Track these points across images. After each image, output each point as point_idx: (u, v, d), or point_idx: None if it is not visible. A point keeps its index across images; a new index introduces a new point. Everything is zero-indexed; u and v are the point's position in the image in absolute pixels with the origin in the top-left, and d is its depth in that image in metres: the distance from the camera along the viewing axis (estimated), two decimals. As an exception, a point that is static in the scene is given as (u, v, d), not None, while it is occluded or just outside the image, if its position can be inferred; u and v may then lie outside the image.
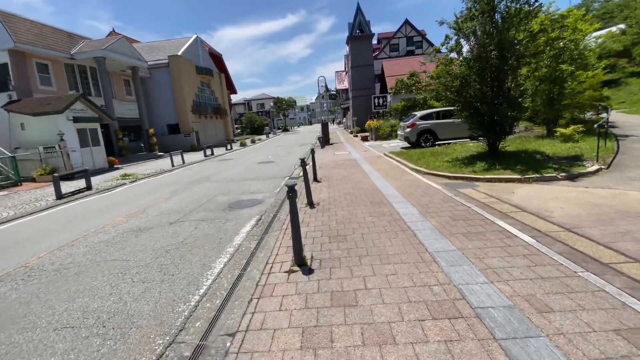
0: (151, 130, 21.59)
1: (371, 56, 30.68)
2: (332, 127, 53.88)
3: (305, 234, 4.46)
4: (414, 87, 21.58)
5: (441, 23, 8.44)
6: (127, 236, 5.38)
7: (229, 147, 24.97)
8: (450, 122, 13.64)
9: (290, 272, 3.39)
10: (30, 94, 15.30)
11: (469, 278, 2.99)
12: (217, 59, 42.50)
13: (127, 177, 12.67)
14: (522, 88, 8.39)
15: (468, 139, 13.95)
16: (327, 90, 22.00)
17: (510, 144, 9.96)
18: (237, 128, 51.88)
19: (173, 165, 15.95)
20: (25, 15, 16.56)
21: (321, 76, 23.20)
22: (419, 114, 14.09)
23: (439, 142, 13.78)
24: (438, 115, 13.92)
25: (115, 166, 16.44)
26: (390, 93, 22.84)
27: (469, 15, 8.19)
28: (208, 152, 21.27)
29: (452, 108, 14.27)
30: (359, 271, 3.27)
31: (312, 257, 3.69)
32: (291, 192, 3.33)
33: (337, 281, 3.12)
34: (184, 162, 17.05)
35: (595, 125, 7.66)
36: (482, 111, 8.35)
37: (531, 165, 7.36)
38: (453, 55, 8.95)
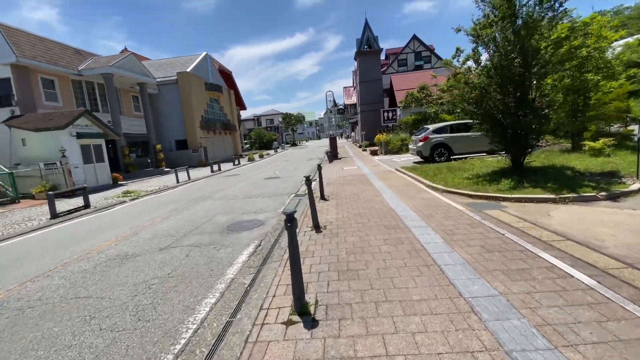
0: (158, 146, 21.46)
1: (379, 71, 30.46)
2: (341, 142, 53.57)
3: (310, 268, 3.77)
4: (424, 101, 21.04)
5: (458, 30, 7.90)
6: (110, 265, 4.77)
7: (236, 162, 24.65)
8: (465, 136, 12.93)
9: (288, 323, 2.69)
10: (34, 109, 15.30)
11: (523, 341, 2.25)
12: (226, 76, 43.11)
13: (128, 195, 12.26)
14: (547, 98, 7.68)
15: (485, 154, 13.19)
16: (335, 105, 21.67)
17: (534, 158, 9.17)
18: (246, 143, 52.06)
19: (178, 182, 15.56)
20: (37, 32, 16.84)
21: (329, 91, 22.90)
22: (431, 127, 13.44)
23: (453, 157, 13.03)
24: (452, 129, 13.23)
25: (119, 182, 16.14)
26: (399, 107, 22.36)
27: (488, 22, 7.63)
28: (215, 167, 20.93)
29: (467, 121, 13.61)
30: (377, 326, 2.55)
31: (316, 301, 2.99)
32: (290, 221, 2.68)
33: (348, 341, 2.40)
34: (189, 178, 16.66)
35: (637, 139, 6.85)
36: (504, 123, 7.65)
37: (563, 183, 6.57)
38: (470, 64, 8.35)
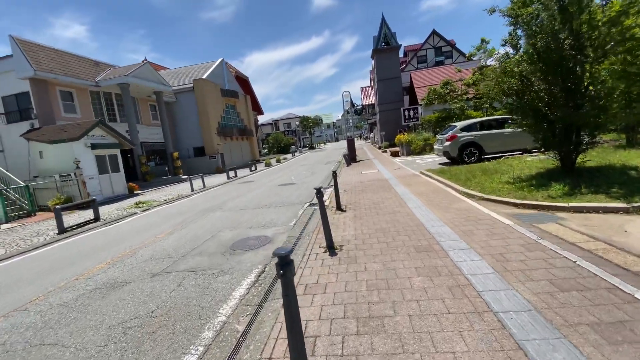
0: (175, 154, 21.42)
1: (398, 68, 29.25)
2: (359, 143, 52.44)
3: (320, 311, 2.93)
4: (448, 97, 19.71)
5: (492, 11, 6.82)
6: (93, 297, 4.15)
7: (253, 168, 24.25)
8: (498, 133, 11.66)
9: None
10: (53, 122, 15.48)
11: None
12: (243, 81, 43.27)
13: (140, 205, 11.94)
14: (604, 86, 6.44)
15: (521, 152, 11.84)
16: (353, 105, 20.74)
17: (587, 157, 7.87)
18: (264, 148, 52.08)
19: (193, 190, 15.21)
20: (62, 48, 17.40)
21: (346, 91, 21.81)
22: (459, 124, 12.25)
23: (485, 157, 11.78)
24: (482, 126, 11.99)
25: (135, 192, 16.02)
26: (421, 104, 21.09)
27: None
28: (231, 174, 20.59)
29: (500, 117, 12.35)
30: None
31: (326, 374, 2.14)
32: (284, 266, 1.85)
33: None
34: (204, 186, 16.31)
35: None
36: (551, 117, 6.48)
37: (633, 187, 5.36)
38: (507, 50, 7.24)
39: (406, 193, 7.90)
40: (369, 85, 59.41)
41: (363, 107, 52.34)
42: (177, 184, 18.68)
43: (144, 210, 11.05)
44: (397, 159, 17.63)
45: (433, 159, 15.24)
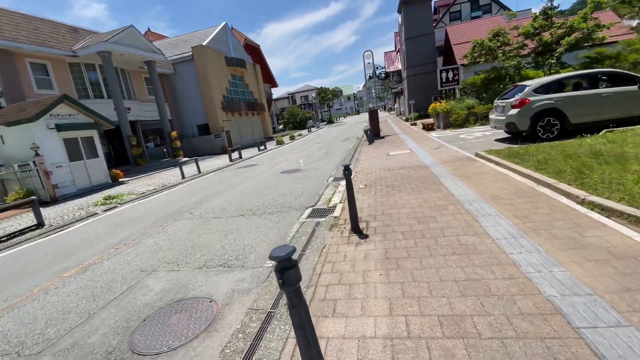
0: (173, 133, 18.93)
1: (431, 22, 24.54)
2: (382, 115, 48.03)
3: None
4: (499, 52, 15.45)
5: None
6: None
7: (262, 147, 21.46)
8: (591, 95, 7.93)
9: None
10: (23, 99, 13.19)
11: None
12: (254, 50, 39.59)
13: (109, 201, 9.54)
14: None
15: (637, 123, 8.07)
16: (376, 69, 17.15)
17: None
18: (279, 123, 49.03)
19: (183, 177, 12.70)
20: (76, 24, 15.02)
21: (367, 50, 17.79)
22: (532, 83, 8.54)
23: (570, 130, 8.15)
24: (563, 85, 8.28)
25: (120, 180, 13.76)
26: (467, 63, 16.89)
27: None
28: (235, 155, 17.94)
29: (597, 70, 8.53)
30: None
31: None
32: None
33: None
34: (199, 172, 13.79)
35: None
36: None
37: None
38: None
39: (469, 196, 4.73)
40: (394, 49, 53.54)
41: (387, 74, 47.33)
42: (172, 169, 16.28)
43: (107, 210, 8.62)
44: (433, 134, 14.07)
45: (483, 134, 11.62)
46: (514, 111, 8.44)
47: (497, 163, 6.38)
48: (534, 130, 8.24)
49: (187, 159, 19.65)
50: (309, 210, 5.62)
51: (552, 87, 8.31)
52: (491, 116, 9.97)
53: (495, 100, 9.83)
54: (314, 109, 48.95)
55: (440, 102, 15.80)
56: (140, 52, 17.27)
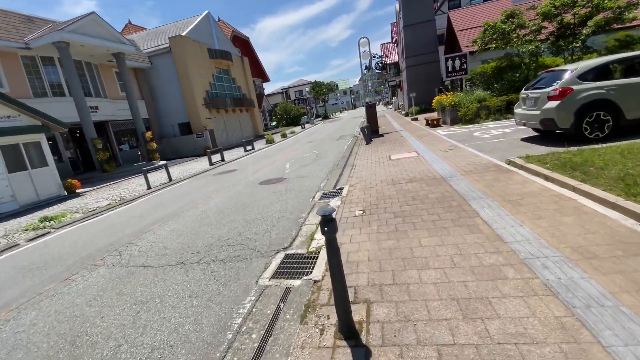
0: (148, 134, 16.92)
1: (431, 8, 22.55)
2: (379, 110, 46.12)
3: None
4: (514, 35, 13.51)
5: None
6: None
7: (248, 147, 19.52)
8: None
9: None
10: (-43, 100, 11.13)
11: None
12: (243, 43, 37.43)
13: (43, 224, 7.64)
14: None
15: None
16: (372, 57, 15.21)
17: None
18: (272, 120, 46.92)
19: (149, 188, 10.84)
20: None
21: (363, 37, 16.03)
22: (577, 67, 6.65)
23: (624, 127, 6.32)
24: (610, 70, 6.44)
25: (77, 191, 11.81)
26: (477, 50, 14.90)
27: None
28: (217, 157, 16.05)
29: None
30: None
31: None
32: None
33: None
34: (169, 180, 11.89)
35: None
36: None
37: None
38: None
39: (532, 245, 2.88)
40: (390, 41, 51.38)
41: (384, 64, 45.28)
42: (141, 177, 14.30)
43: (35, 238, 6.74)
44: (440, 131, 12.20)
45: (502, 131, 9.77)
46: (552, 104, 6.58)
47: (547, 178, 4.52)
48: (579, 128, 6.39)
49: (163, 162, 17.63)
50: (280, 257, 3.75)
51: (602, 72, 6.45)
52: (517, 110, 8.09)
53: (523, 91, 7.95)
54: (308, 104, 46.89)
55: (447, 95, 13.91)
56: (105, 42, 15.16)
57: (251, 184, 8.61)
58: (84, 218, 7.99)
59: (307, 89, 51.03)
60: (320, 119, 52.17)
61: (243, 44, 37.65)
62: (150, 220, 6.56)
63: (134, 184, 12.37)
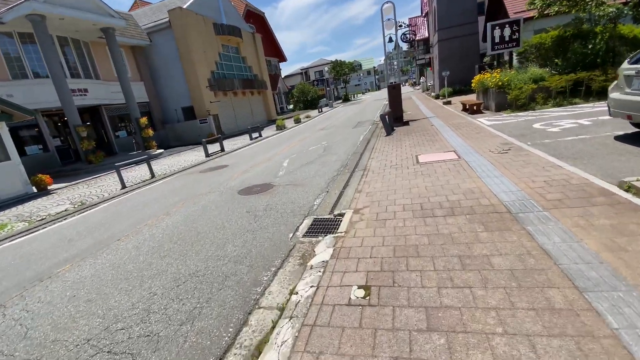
0: (143, 120, 15.25)
1: (471, -33, 18.88)
2: (405, 91, 42.48)
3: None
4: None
5: None
6: None
7: (255, 135, 17.51)
8: None
9: None
10: None
11: None
12: (258, 19, 34.80)
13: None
14: None
15: None
16: (399, 26, 12.52)
17: None
18: (289, 102, 44.52)
19: (123, 187, 9.16)
20: None
21: (387, 2, 13.17)
22: None
23: None
24: None
25: (49, 188, 10.34)
26: (535, 16, 11.58)
27: None
28: (213, 148, 14.19)
29: None
30: None
31: None
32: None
33: None
34: (152, 176, 10.16)
35: None
36: None
37: None
38: None
39: None
40: (419, 15, 46.66)
41: (412, 39, 41.25)
42: (132, 168, 12.71)
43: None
44: (483, 120, 9.49)
45: (576, 122, 7.02)
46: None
47: None
48: None
49: (160, 151, 16.09)
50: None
51: None
52: (614, 95, 5.36)
53: (629, 65, 5.20)
54: (327, 84, 43.96)
55: (491, 73, 11.00)
56: (89, 15, 13.30)
57: (229, 192, 6.57)
58: (26, 230, 6.36)
59: (326, 69, 47.91)
60: (341, 101, 49.13)
61: (258, 20, 35.01)
62: (71, 252, 4.70)
63: (112, 181, 10.75)
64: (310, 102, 40.59)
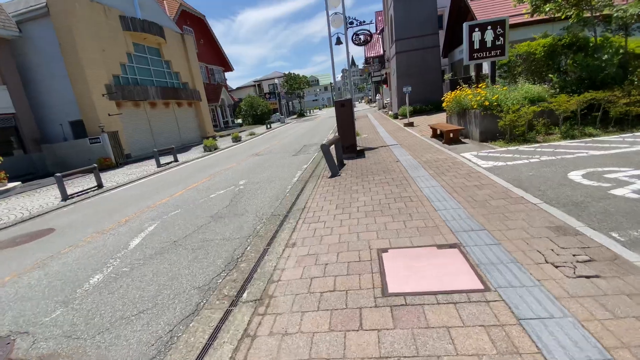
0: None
1: (431, -26, 16.76)
2: (361, 109, 40.44)
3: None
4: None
5: None
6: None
7: (165, 160, 13.00)
8: None
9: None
10: None
11: None
12: (196, 21, 30.48)
13: None
14: None
15: None
16: (347, 24, 9.81)
17: None
18: (237, 116, 40.02)
19: None
20: None
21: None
22: None
23: None
24: None
25: None
26: (528, 11, 9.00)
27: None
28: (88, 183, 9.58)
29: None
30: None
31: None
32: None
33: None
34: None
35: None
36: None
37: None
38: None
39: None
40: (374, 31, 45.66)
41: (367, 60, 39.64)
42: None
43: None
44: (469, 157, 6.29)
45: (637, 173, 3.95)
46: None
47: None
48: None
49: (10, 186, 10.93)
50: None
51: None
52: None
53: None
54: (278, 99, 40.46)
55: (477, 88, 8.08)
56: None
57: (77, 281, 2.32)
58: None
59: (278, 82, 44.57)
60: (295, 116, 45.81)
61: (196, 23, 30.66)
62: None
63: None
64: (260, 117, 36.58)
